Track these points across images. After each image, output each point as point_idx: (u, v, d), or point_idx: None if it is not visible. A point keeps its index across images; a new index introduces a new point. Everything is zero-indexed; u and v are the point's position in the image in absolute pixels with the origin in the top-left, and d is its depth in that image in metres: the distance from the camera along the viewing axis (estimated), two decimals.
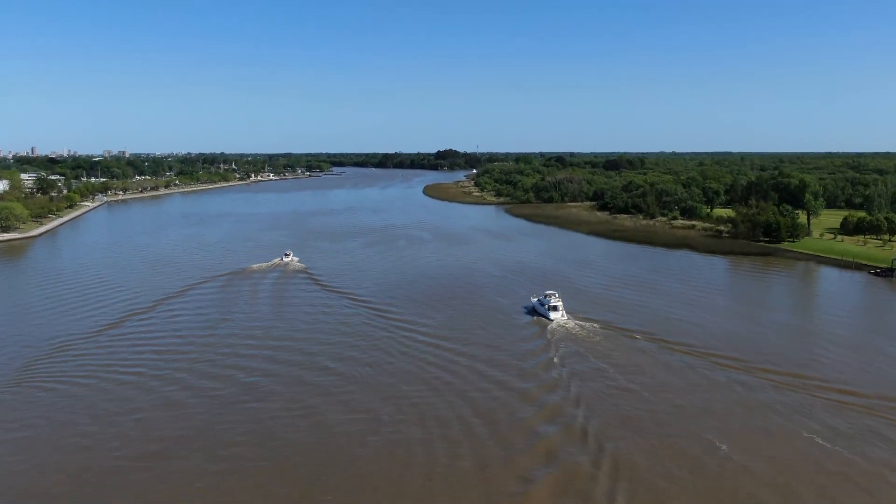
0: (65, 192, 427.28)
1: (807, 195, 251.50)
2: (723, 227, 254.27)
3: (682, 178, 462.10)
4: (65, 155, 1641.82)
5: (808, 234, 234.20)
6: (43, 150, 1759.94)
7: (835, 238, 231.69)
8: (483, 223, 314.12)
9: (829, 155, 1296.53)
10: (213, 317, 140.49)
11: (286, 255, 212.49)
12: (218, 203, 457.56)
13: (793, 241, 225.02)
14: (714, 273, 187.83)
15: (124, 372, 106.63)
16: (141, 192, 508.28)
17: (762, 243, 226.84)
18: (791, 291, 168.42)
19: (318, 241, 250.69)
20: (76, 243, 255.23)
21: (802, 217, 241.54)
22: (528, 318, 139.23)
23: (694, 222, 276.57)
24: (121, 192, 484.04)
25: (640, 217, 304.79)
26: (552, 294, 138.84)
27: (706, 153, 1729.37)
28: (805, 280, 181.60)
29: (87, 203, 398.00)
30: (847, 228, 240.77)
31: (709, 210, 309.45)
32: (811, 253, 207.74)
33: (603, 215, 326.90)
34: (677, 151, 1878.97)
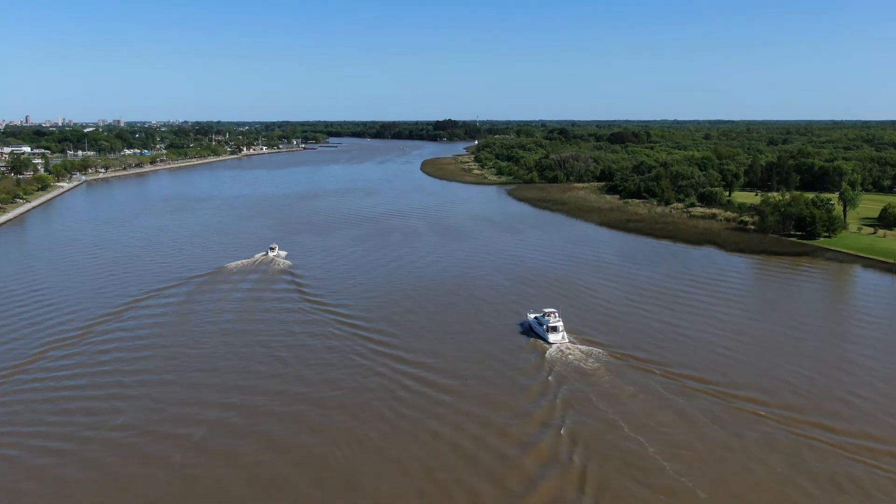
0: (41, 170, 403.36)
1: (844, 185, 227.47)
2: (748, 218, 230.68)
3: (696, 156, 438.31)
4: (59, 124, 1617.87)
5: (845, 227, 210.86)
6: (37, 119, 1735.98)
7: (875, 232, 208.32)
8: (484, 209, 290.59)
9: (836, 124, 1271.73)
10: (161, 345, 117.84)
11: (271, 248, 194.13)
12: (204, 183, 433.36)
13: (829, 237, 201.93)
14: (745, 279, 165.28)
15: (14, 440, 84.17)
16: (124, 169, 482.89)
17: (795, 239, 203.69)
18: (838, 308, 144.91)
19: (306, 235, 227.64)
20: (32, 237, 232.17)
21: (837, 207, 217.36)
22: (524, 339, 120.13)
23: (714, 210, 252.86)
24: (102, 170, 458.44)
25: (654, 203, 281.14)
26: (552, 312, 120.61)
27: (708, 121, 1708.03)
28: (852, 291, 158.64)
29: (62, 184, 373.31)
30: (887, 221, 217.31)
31: (728, 195, 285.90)
32: (853, 253, 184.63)
33: (613, 199, 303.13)
34: (679, 119, 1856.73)
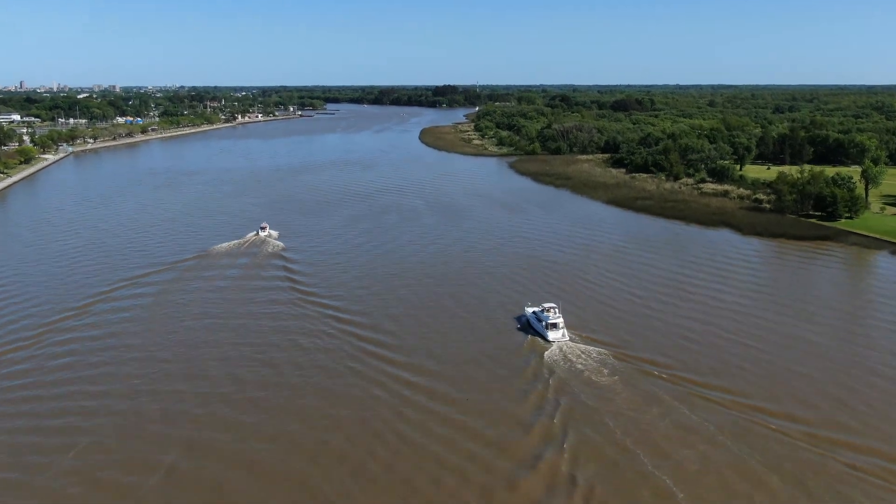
0: (27, 140, 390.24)
1: (866, 161, 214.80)
2: (763, 196, 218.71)
3: (703, 125, 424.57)
4: (54, 89, 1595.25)
5: (867, 206, 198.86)
6: (32, 84, 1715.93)
7: None
8: (485, 184, 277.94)
9: (841, 90, 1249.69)
10: (131, 346, 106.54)
11: (262, 228, 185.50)
12: (195, 154, 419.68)
13: (850, 218, 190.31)
14: (766, 268, 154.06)
15: None
16: (114, 139, 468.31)
17: (814, 220, 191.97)
18: (874, 305, 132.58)
19: (299, 214, 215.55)
20: (10, 216, 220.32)
21: (859, 186, 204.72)
22: (522, 337, 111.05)
23: (726, 187, 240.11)
24: (90, 141, 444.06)
25: (663, 178, 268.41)
26: (551, 308, 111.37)
27: (710, 86, 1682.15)
28: (883, 280, 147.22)
29: (47, 156, 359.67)
30: None
31: (739, 169, 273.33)
32: (879, 237, 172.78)
33: (619, 174, 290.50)
34: (681, 84, 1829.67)
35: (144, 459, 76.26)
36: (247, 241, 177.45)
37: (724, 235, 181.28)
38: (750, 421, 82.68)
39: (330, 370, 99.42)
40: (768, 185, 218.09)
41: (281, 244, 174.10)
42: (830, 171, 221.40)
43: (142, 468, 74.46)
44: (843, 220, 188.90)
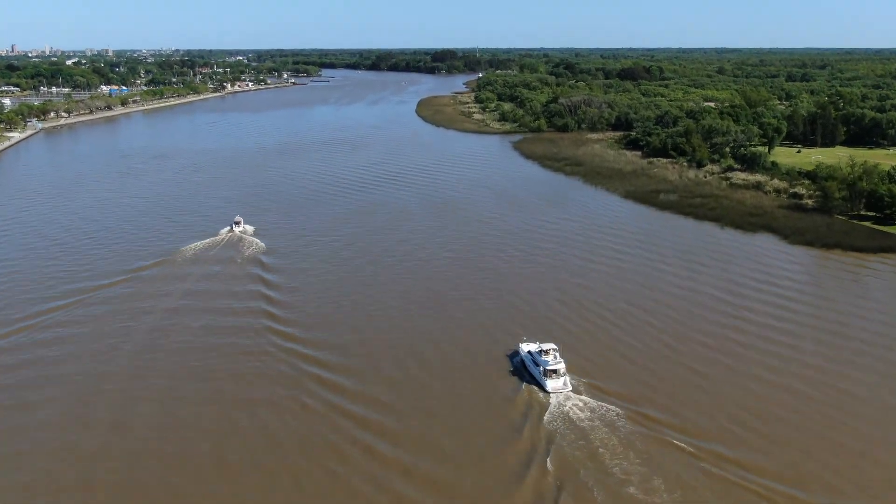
0: None
1: None
2: (803, 190, 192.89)
3: (717, 96, 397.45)
4: (46, 53, 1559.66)
5: None
6: (24, 48, 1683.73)
7: None
8: (487, 172, 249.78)
9: (850, 53, 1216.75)
10: (34, 408, 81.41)
11: (236, 223, 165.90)
12: (175, 131, 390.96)
13: None
14: (831, 294, 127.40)
15: None
16: (91, 112, 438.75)
17: (868, 224, 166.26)
18: None
19: (282, 210, 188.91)
20: None
21: None
22: (516, 385, 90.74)
23: (758, 177, 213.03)
24: (64, 115, 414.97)
25: (684, 164, 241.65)
26: (550, 349, 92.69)
27: (713, 49, 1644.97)
28: None
29: (13, 134, 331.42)
30: None
31: (768, 152, 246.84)
32: None
33: (635, 158, 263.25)
34: (684, 48, 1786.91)
35: None
36: (220, 241, 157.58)
37: (768, 244, 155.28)
38: None
39: (305, 449, 75.44)
40: (811, 179, 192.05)
41: (260, 243, 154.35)
42: (866, 154, 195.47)
43: None
44: None
